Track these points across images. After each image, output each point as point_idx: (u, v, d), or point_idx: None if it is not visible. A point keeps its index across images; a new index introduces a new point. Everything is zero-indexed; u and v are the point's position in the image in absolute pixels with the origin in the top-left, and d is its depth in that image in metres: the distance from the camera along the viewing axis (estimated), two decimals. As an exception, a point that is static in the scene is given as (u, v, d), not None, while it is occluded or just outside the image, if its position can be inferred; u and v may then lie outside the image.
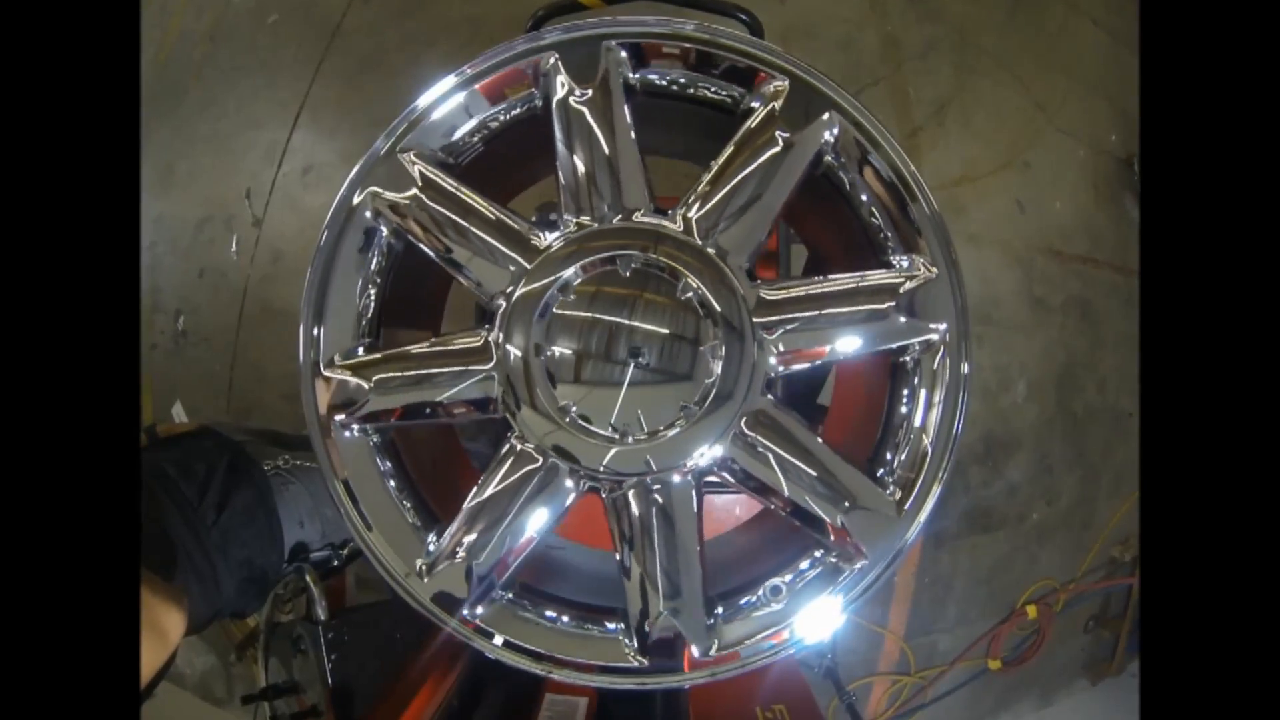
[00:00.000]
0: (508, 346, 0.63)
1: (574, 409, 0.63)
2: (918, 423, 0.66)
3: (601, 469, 0.63)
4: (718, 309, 0.63)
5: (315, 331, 0.66)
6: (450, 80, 0.66)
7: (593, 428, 0.63)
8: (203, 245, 2.55)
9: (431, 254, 0.66)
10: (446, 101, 0.66)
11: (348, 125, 2.46)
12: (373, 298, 0.68)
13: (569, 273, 0.63)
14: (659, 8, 0.75)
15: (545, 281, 0.63)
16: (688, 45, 0.66)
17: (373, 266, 0.67)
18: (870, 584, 0.65)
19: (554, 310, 0.63)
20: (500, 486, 0.64)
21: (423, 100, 0.66)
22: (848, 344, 0.64)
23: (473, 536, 0.64)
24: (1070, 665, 2.48)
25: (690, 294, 0.63)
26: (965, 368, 0.65)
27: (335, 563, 1.10)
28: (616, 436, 0.63)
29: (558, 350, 0.63)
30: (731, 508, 1.01)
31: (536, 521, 0.64)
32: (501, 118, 0.68)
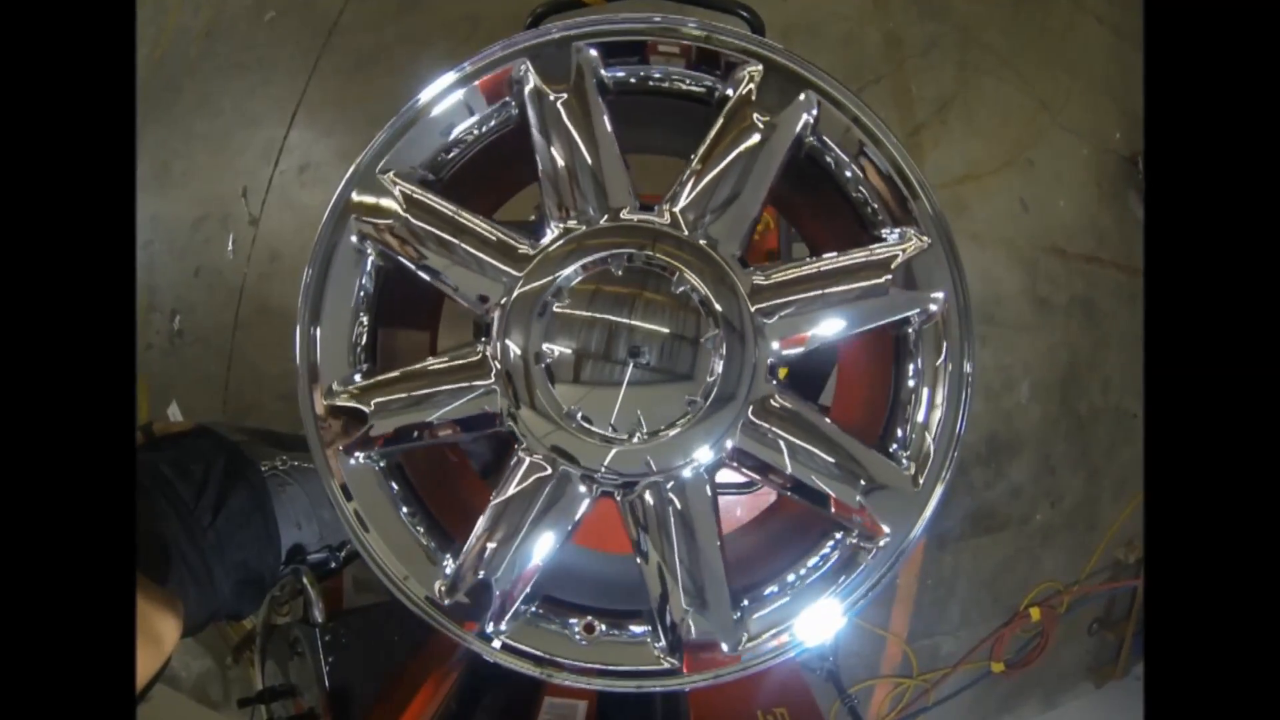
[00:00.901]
0: (507, 344, 0.63)
1: (574, 410, 0.63)
2: (925, 395, 0.66)
3: (602, 469, 0.63)
4: (718, 308, 0.63)
5: (313, 331, 0.66)
6: (451, 76, 0.66)
7: (593, 428, 0.63)
8: (199, 244, 2.55)
9: (421, 273, 0.66)
10: (446, 99, 0.66)
11: (345, 123, 2.46)
12: (365, 325, 0.68)
13: (568, 272, 0.63)
14: (660, 5, 0.74)
15: (543, 281, 0.63)
16: (683, 42, 0.66)
17: (362, 292, 0.67)
18: (896, 561, 0.65)
19: (553, 310, 0.63)
20: (512, 499, 0.64)
21: (423, 96, 0.66)
22: (848, 321, 0.65)
23: (489, 553, 0.64)
24: (1074, 668, 2.48)
25: (687, 288, 0.63)
26: (968, 366, 0.65)
27: (333, 564, 1.09)
28: (623, 437, 0.63)
29: (557, 350, 0.63)
30: (745, 502, 1.01)
31: (552, 531, 0.64)
32: (477, 130, 0.68)
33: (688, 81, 0.68)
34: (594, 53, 0.65)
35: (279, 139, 2.51)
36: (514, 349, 0.63)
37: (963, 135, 2.32)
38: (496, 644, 0.66)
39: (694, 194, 0.65)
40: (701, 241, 0.64)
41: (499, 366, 0.64)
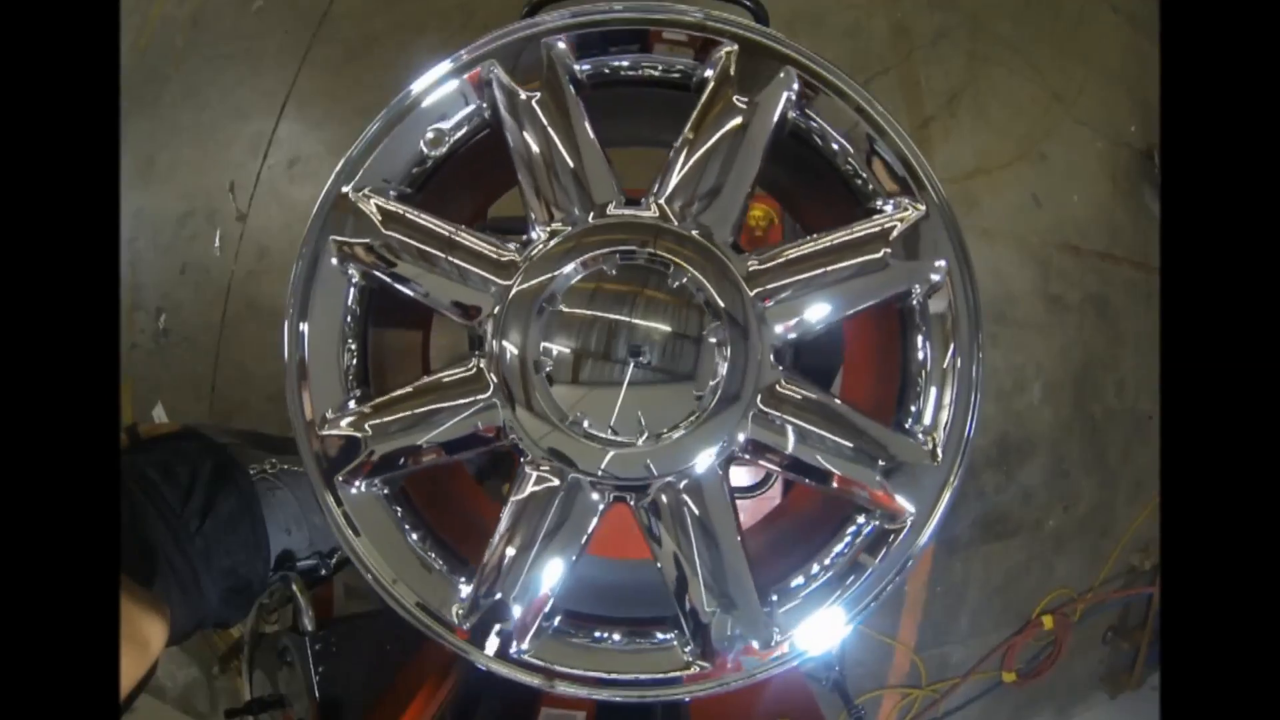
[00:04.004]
0: (504, 345, 0.63)
1: (574, 412, 0.63)
2: (936, 364, 0.66)
3: (600, 472, 0.63)
4: (718, 301, 0.63)
5: (300, 327, 0.66)
6: (444, 66, 0.66)
7: (594, 430, 0.63)
8: (185, 240, 2.55)
9: (406, 291, 0.66)
10: (440, 88, 0.66)
11: (336, 116, 2.46)
12: (354, 351, 0.68)
13: (566, 270, 0.63)
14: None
15: (540, 280, 0.63)
16: (613, 29, 0.65)
17: (348, 316, 0.67)
18: (927, 539, 0.65)
19: (550, 310, 0.63)
20: (522, 514, 0.64)
21: (416, 87, 0.66)
22: (849, 299, 0.65)
23: (505, 572, 0.64)
24: (1088, 678, 2.48)
25: (686, 282, 0.63)
26: (974, 370, 0.65)
27: (323, 571, 1.09)
28: (624, 440, 0.63)
29: (555, 350, 0.63)
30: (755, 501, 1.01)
31: (567, 543, 0.65)
32: (449, 139, 0.68)
33: (660, 68, 0.68)
34: (562, 45, 0.65)
35: (267, 132, 2.50)
36: (511, 350, 0.63)
37: (973, 128, 2.32)
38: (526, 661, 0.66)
39: (679, 183, 0.65)
40: (694, 231, 0.64)
41: (494, 378, 0.64)
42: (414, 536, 0.68)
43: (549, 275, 0.63)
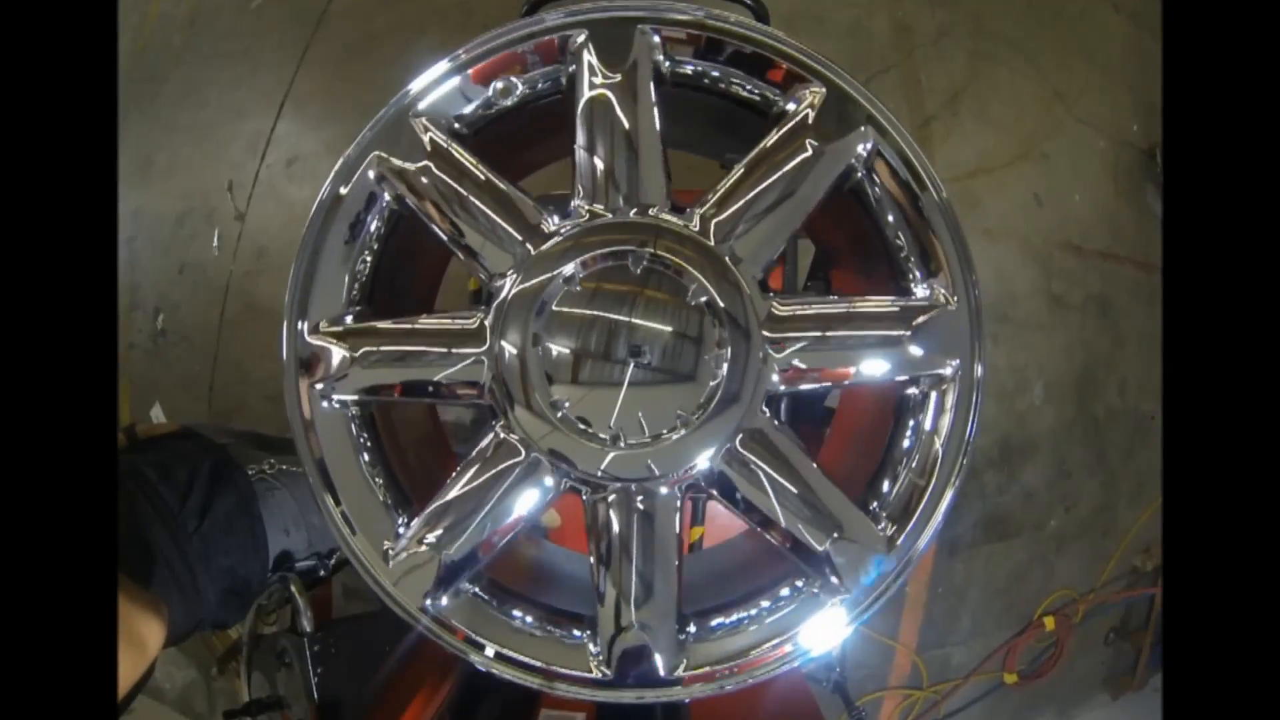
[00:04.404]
0: (503, 343, 0.63)
1: (570, 410, 0.63)
2: (926, 436, 0.66)
3: (599, 473, 0.63)
4: (722, 306, 0.63)
5: (303, 302, 0.66)
6: (444, 65, 0.66)
7: (591, 430, 0.63)
8: (183, 240, 2.55)
9: (436, 229, 0.66)
10: (450, 79, 0.66)
11: (334, 115, 2.46)
12: (368, 265, 0.68)
13: (567, 269, 0.63)
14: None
15: (542, 279, 0.63)
16: (702, 34, 0.65)
17: (371, 231, 0.67)
18: (856, 617, 0.65)
19: (551, 307, 0.63)
20: (480, 477, 0.65)
21: (415, 86, 0.66)
22: (855, 369, 0.65)
23: (444, 526, 0.65)
24: (1090, 679, 2.48)
25: (699, 294, 0.63)
26: (978, 371, 0.65)
27: (321, 572, 1.09)
28: (624, 440, 0.63)
29: (554, 349, 0.63)
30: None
31: (513, 516, 0.65)
32: (517, 91, 0.68)
33: (747, 88, 0.68)
34: (656, 39, 0.65)
35: (266, 131, 2.51)
36: (509, 349, 0.63)
37: (974, 127, 2.32)
38: (490, 651, 0.66)
39: (730, 204, 0.65)
40: (725, 257, 0.64)
41: (492, 373, 0.64)
42: (365, 459, 0.67)
43: (548, 274, 0.63)
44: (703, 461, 0.63)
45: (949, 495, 0.66)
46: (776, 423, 0.65)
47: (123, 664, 0.65)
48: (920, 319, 0.64)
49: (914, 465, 0.67)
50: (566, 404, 0.63)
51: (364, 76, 2.44)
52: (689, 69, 0.67)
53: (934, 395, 0.66)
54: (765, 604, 0.68)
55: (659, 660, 0.65)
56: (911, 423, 0.67)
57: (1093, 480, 2.38)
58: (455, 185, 0.65)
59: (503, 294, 0.64)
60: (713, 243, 0.64)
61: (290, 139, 2.50)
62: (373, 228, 0.67)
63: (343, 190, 0.66)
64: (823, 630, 0.66)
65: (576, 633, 0.68)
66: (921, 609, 2.28)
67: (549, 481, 0.65)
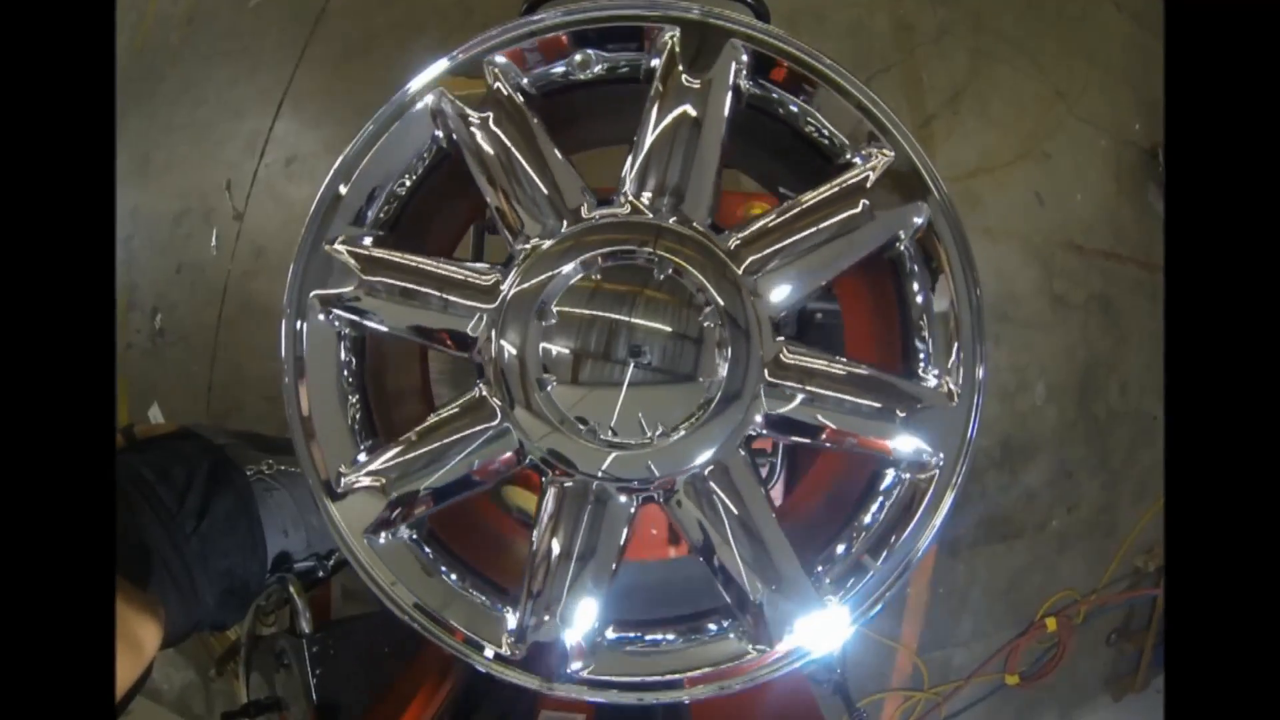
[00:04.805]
0: (502, 343, 0.63)
1: (570, 410, 0.63)
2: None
3: (600, 474, 0.63)
4: (721, 303, 0.62)
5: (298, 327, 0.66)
6: (442, 64, 0.66)
7: (591, 431, 0.63)
8: (181, 240, 2.55)
9: (480, 179, 0.65)
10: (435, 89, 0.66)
11: (333, 114, 2.46)
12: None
13: (568, 269, 0.63)
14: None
15: (542, 278, 0.63)
16: (803, 72, 0.65)
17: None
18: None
19: (553, 308, 0.63)
20: (448, 427, 0.65)
21: (413, 85, 0.66)
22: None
23: (402, 463, 0.65)
24: (1092, 680, 2.48)
25: (673, 270, 0.63)
26: (979, 373, 0.65)
27: (320, 573, 1.10)
28: (626, 441, 0.63)
29: (555, 349, 0.63)
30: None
31: (466, 474, 0.65)
32: (598, 68, 0.68)
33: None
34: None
35: (264, 130, 2.50)
36: (509, 350, 0.63)
37: (976, 126, 2.32)
38: (489, 653, 0.66)
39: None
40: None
41: (498, 402, 0.64)
42: (346, 377, 0.68)
43: (548, 274, 0.63)
44: (701, 462, 0.63)
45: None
46: (746, 460, 0.65)
47: (120, 666, 0.65)
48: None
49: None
50: (557, 390, 0.63)
51: (363, 75, 2.43)
52: (773, 95, 0.67)
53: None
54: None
55: (569, 656, 0.65)
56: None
57: (1094, 481, 2.38)
58: (508, 143, 0.64)
59: (524, 258, 0.64)
60: (740, 270, 0.64)
61: (289, 138, 2.50)
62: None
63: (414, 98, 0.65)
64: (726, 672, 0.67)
65: (500, 605, 0.68)
66: (922, 610, 2.28)
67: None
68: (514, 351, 0.63)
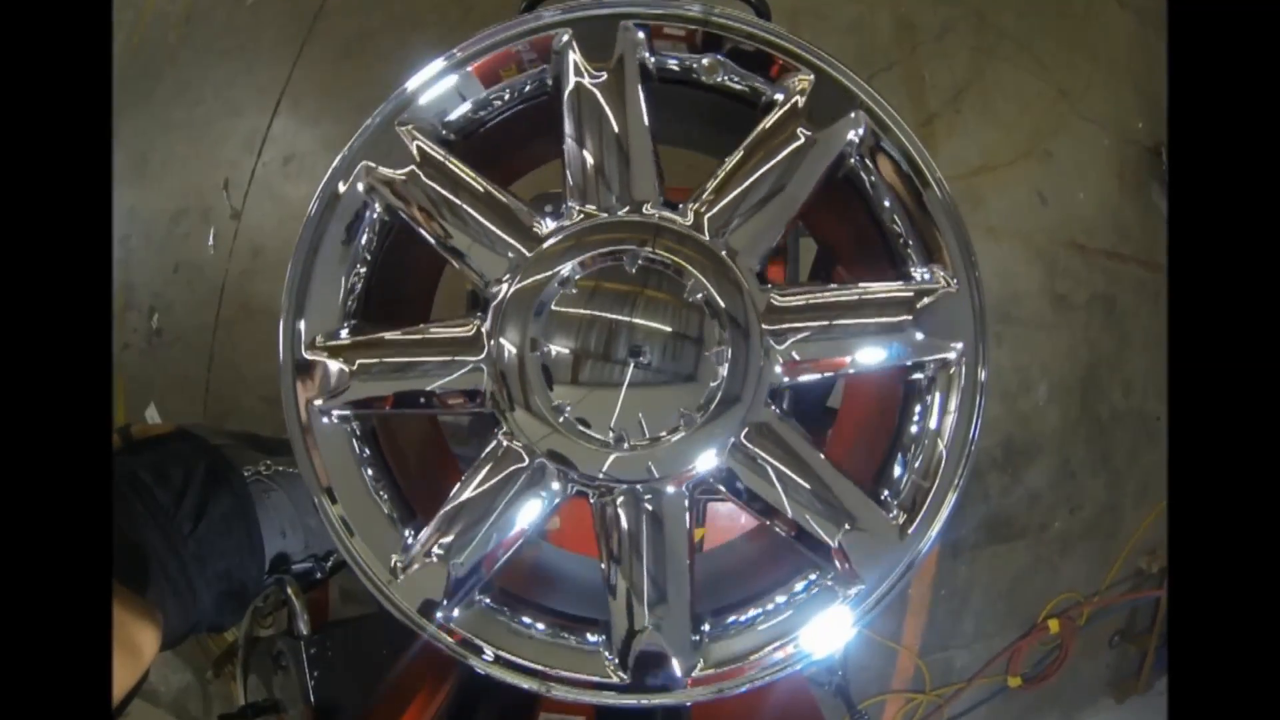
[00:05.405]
0: (502, 343, 0.63)
1: (570, 411, 0.63)
2: (929, 436, 0.66)
3: (600, 475, 0.63)
4: (722, 305, 0.63)
5: (298, 321, 0.66)
6: (440, 63, 0.66)
7: (591, 431, 0.63)
8: (178, 239, 2.55)
9: (428, 237, 0.66)
10: (438, 83, 0.66)
11: (331, 112, 2.46)
12: (361, 276, 0.68)
13: (566, 269, 0.63)
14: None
15: (542, 277, 0.63)
16: (697, 29, 0.65)
17: (363, 243, 0.67)
18: (870, 608, 0.65)
19: (551, 307, 0.63)
20: (485, 485, 0.65)
21: (411, 83, 0.66)
22: (858, 358, 0.65)
23: (451, 536, 0.65)
24: (1094, 683, 2.48)
25: (696, 291, 0.63)
26: (982, 375, 0.65)
27: (318, 575, 1.10)
28: (624, 443, 0.63)
29: (554, 349, 0.63)
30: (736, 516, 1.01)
31: (520, 523, 0.65)
32: (506, 96, 0.68)
33: (737, 80, 0.67)
34: (640, 35, 0.65)
35: (262, 129, 2.51)
36: (508, 348, 0.63)
37: (978, 125, 2.32)
38: (489, 654, 0.66)
39: (723, 197, 0.64)
40: (721, 251, 0.64)
41: (490, 352, 0.64)
42: (370, 473, 0.67)
43: (548, 273, 0.63)
44: (704, 462, 0.63)
45: (956, 488, 0.65)
46: (779, 414, 0.64)
47: (117, 670, 0.65)
48: (922, 302, 0.64)
49: (918, 461, 0.66)
50: (568, 408, 0.63)
51: (361, 73, 2.44)
52: (674, 64, 0.67)
53: (937, 392, 0.66)
54: (780, 601, 0.68)
55: (675, 663, 0.65)
56: (919, 406, 0.67)
57: (1097, 481, 2.38)
58: (445, 192, 0.65)
59: (499, 298, 0.64)
60: (708, 237, 0.64)
61: (286, 136, 2.50)
62: (364, 241, 0.67)
63: (340, 190, 0.66)
64: (836, 624, 0.66)
65: (591, 638, 0.67)
66: (924, 612, 2.29)
67: (555, 486, 0.64)
68: (513, 351, 0.63)
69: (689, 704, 0.67)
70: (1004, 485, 2.30)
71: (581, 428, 0.63)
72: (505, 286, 0.64)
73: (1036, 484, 2.32)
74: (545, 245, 0.64)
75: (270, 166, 2.50)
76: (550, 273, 0.63)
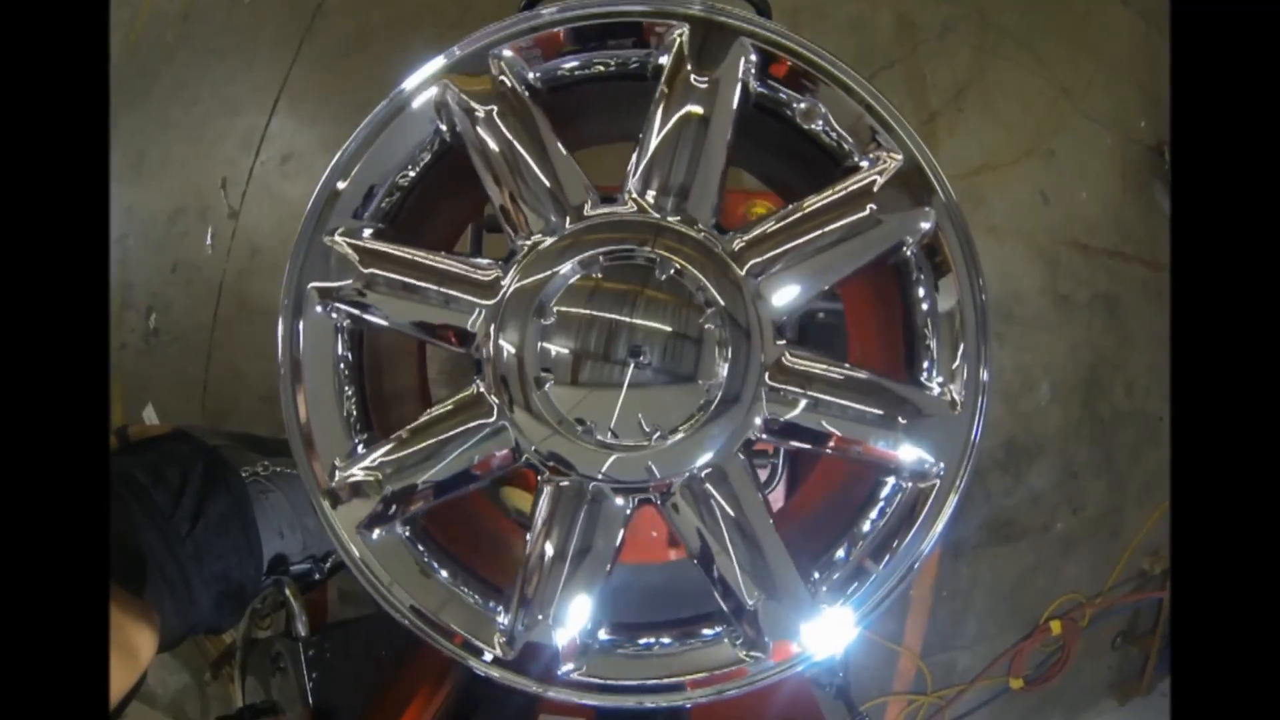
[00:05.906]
0: (501, 343, 0.63)
1: (570, 412, 0.63)
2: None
3: (600, 476, 0.63)
4: (722, 304, 0.62)
5: (331, 203, 0.65)
6: (439, 62, 0.66)
7: (591, 432, 0.63)
8: (176, 238, 2.54)
9: (483, 174, 0.65)
10: (431, 87, 0.66)
11: (329, 111, 2.46)
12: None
13: (566, 269, 0.63)
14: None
15: (542, 276, 0.63)
16: (812, 71, 0.65)
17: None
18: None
19: (552, 308, 0.63)
20: (444, 425, 0.65)
21: (409, 83, 0.66)
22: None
23: (398, 458, 0.65)
24: (1097, 684, 2.48)
25: (674, 268, 0.63)
26: (985, 374, 0.65)
27: (317, 576, 1.09)
28: (625, 442, 0.63)
29: (554, 350, 0.63)
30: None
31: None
32: (604, 64, 0.67)
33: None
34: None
35: (260, 128, 2.50)
36: (508, 349, 0.63)
37: (980, 124, 2.32)
38: (487, 656, 0.66)
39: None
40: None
41: (495, 399, 0.64)
42: (344, 372, 0.68)
43: (548, 272, 0.63)
44: (699, 464, 0.63)
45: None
46: (745, 466, 0.64)
47: (115, 672, 0.65)
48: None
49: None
50: (553, 386, 0.63)
51: (359, 72, 2.43)
52: (780, 95, 0.66)
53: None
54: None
55: (560, 658, 0.65)
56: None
57: (1100, 482, 2.38)
58: (510, 136, 0.64)
59: (524, 255, 0.64)
60: (743, 274, 0.63)
61: (284, 136, 2.50)
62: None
63: (410, 89, 0.65)
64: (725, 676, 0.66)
65: (494, 605, 0.67)
66: (926, 613, 2.29)
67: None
68: (512, 350, 0.63)
69: (689, 706, 0.67)
70: (1006, 486, 2.30)
71: (580, 429, 0.63)
72: (535, 242, 0.64)
73: (1038, 484, 2.32)
74: (548, 244, 0.64)
75: (268, 165, 2.50)
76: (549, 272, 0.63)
